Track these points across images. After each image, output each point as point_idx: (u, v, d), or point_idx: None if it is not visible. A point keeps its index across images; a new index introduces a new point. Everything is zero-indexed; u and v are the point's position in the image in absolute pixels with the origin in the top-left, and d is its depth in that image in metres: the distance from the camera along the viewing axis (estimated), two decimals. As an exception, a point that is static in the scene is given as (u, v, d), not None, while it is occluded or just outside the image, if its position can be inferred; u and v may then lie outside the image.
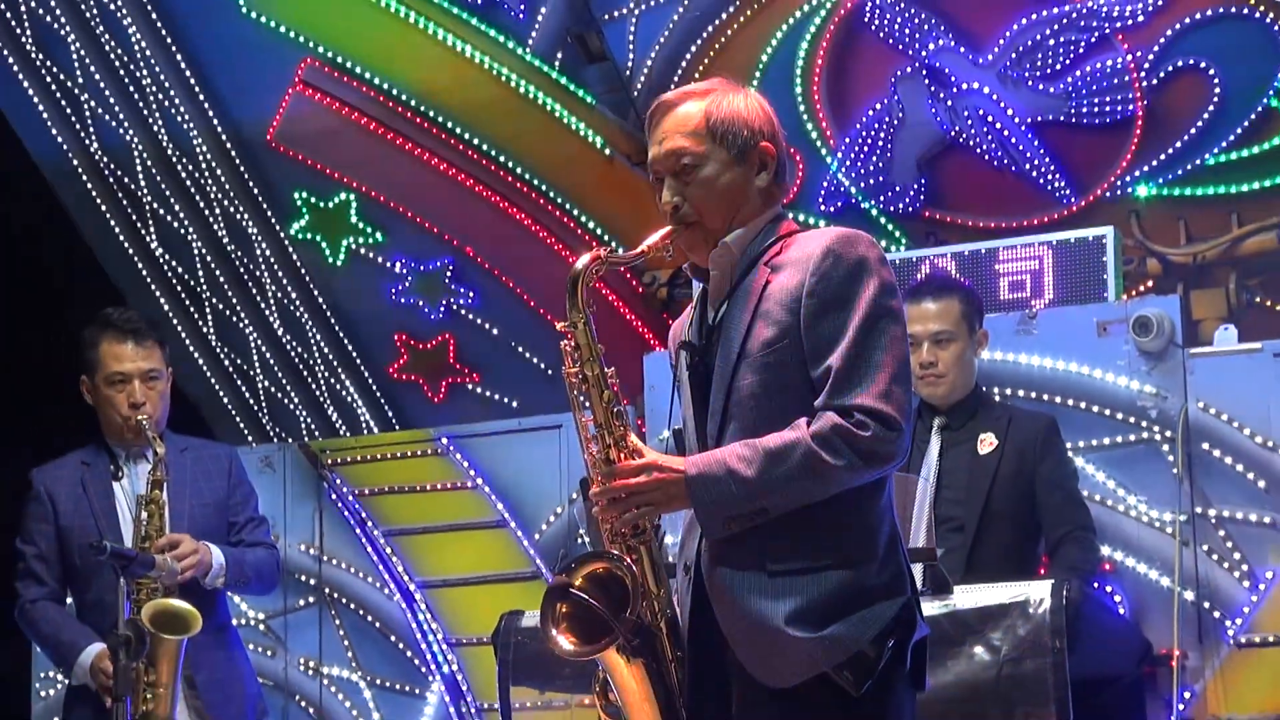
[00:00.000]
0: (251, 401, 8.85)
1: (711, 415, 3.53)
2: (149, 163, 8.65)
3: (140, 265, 8.78)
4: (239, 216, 8.68)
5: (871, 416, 3.39)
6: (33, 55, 8.49)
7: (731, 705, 3.47)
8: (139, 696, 5.01)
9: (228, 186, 8.65)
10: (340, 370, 8.79)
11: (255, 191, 8.69)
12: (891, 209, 7.77)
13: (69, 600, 5.52)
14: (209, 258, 8.75)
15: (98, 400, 5.45)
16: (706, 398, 3.55)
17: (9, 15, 8.43)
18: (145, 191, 8.67)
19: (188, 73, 8.52)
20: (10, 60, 8.50)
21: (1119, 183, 7.39)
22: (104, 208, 8.73)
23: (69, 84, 8.54)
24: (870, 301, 3.46)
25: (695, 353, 3.62)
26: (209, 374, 8.83)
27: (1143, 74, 7.25)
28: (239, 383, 8.86)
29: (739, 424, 3.48)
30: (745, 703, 3.44)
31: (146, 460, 5.40)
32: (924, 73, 7.57)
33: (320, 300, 8.77)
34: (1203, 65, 7.19)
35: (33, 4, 8.43)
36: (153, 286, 8.78)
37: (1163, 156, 7.32)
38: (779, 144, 3.65)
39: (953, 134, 7.59)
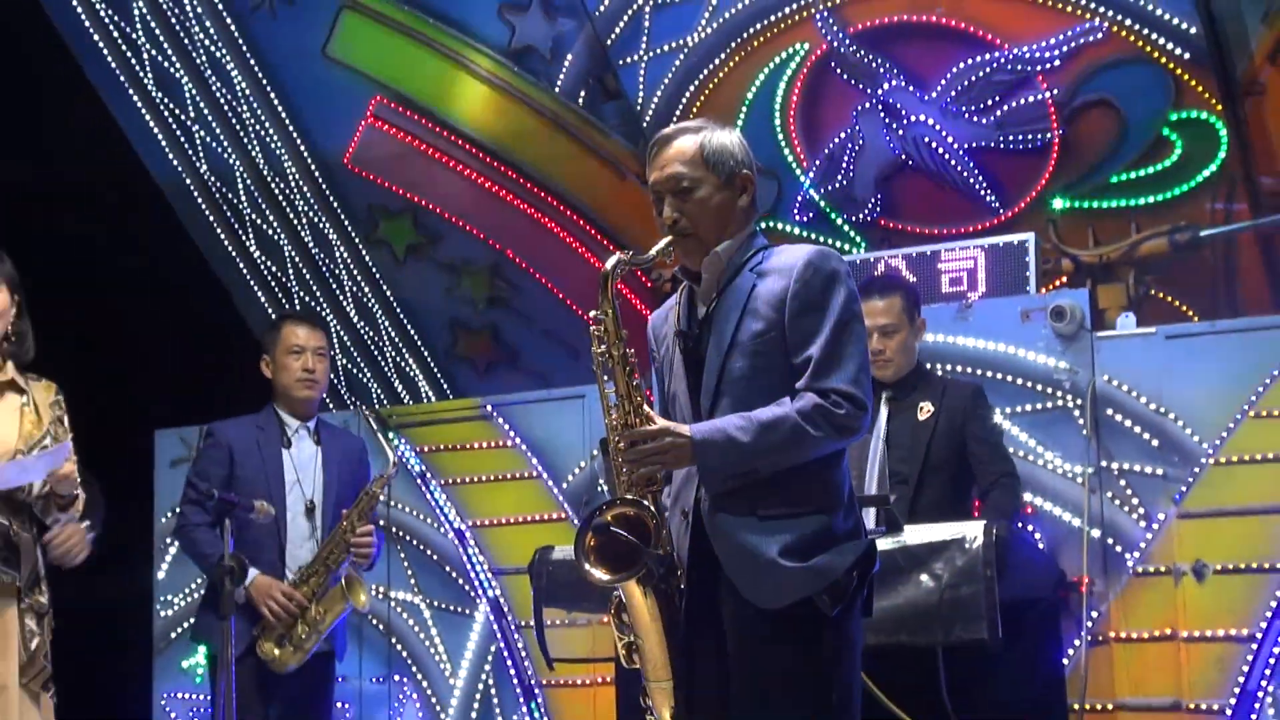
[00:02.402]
0: (332, 376, 8.85)
1: (705, 392, 3.54)
2: (248, 181, 8.65)
3: (241, 265, 8.79)
4: (322, 225, 8.69)
5: (845, 398, 3.43)
6: (153, 94, 8.49)
7: (721, 624, 3.48)
8: (301, 623, 5.24)
9: (312, 201, 8.65)
10: (404, 351, 8.80)
11: (335, 205, 8.69)
12: (854, 219, 7.76)
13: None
14: (297, 259, 8.76)
15: (275, 370, 5.44)
16: (698, 377, 3.56)
17: (133, 61, 8.44)
18: (245, 205, 8.68)
19: (280, 108, 8.52)
20: (135, 98, 8.50)
21: (1039, 197, 7.39)
22: (211, 218, 8.73)
23: (183, 117, 8.55)
24: (842, 306, 3.49)
25: (688, 340, 3.63)
26: (298, 354, 8.83)
27: (1059, 108, 7.24)
28: (322, 361, 8.87)
29: (730, 399, 3.50)
30: (737, 621, 3.46)
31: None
32: (880, 108, 7.56)
33: (388, 294, 8.78)
34: (1108, 101, 7.18)
35: (153, 53, 8.44)
36: (251, 282, 8.79)
37: (1075, 176, 7.31)
38: (755, 172, 3.67)
39: (904, 157, 7.58)
